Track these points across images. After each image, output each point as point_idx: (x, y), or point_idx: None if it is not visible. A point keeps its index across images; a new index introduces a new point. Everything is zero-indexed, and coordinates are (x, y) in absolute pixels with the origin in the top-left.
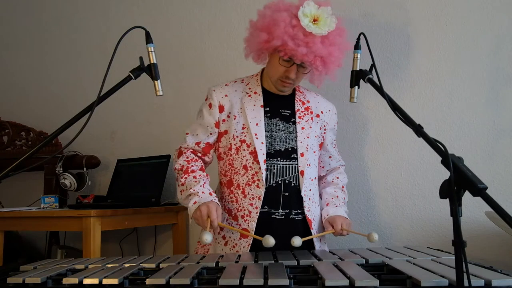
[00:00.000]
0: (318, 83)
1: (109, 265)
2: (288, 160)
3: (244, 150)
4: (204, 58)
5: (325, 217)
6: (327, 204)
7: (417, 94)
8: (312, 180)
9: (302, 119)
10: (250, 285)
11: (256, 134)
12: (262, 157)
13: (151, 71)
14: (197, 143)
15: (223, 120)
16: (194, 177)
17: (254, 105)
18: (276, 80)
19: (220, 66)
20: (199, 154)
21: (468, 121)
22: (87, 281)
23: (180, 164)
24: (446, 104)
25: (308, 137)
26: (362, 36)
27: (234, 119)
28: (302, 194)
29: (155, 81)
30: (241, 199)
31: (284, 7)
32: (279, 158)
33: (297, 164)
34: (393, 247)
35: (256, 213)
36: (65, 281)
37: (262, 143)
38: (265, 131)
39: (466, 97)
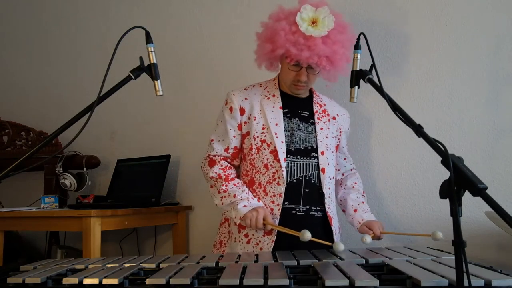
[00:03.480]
0: (333, 79)
1: (109, 265)
2: (308, 158)
3: (264, 149)
4: (204, 58)
5: (360, 222)
6: (355, 210)
7: (417, 94)
8: (331, 179)
9: (321, 120)
10: (250, 285)
11: (276, 134)
12: (282, 155)
13: (151, 71)
14: (226, 149)
15: (245, 123)
16: (235, 184)
17: (273, 106)
18: (289, 84)
19: (220, 66)
20: (229, 160)
21: (468, 121)
22: (87, 281)
23: (216, 173)
24: (446, 104)
25: (326, 137)
26: (362, 36)
27: (254, 120)
28: (324, 190)
29: (155, 81)
30: (263, 197)
31: (284, 15)
32: (299, 156)
33: (318, 162)
34: (393, 247)
35: (278, 210)
36: (65, 281)
37: (282, 142)
38: (286, 130)
39: (466, 97)
